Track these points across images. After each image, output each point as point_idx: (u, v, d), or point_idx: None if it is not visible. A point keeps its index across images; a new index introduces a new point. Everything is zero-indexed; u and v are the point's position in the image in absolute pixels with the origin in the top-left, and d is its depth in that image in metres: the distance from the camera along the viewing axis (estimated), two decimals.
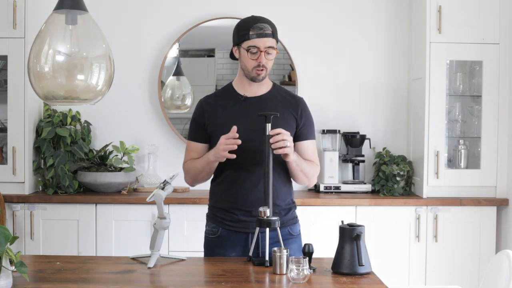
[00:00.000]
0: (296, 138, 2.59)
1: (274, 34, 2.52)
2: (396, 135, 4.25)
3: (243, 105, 2.57)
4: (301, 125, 2.60)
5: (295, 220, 2.64)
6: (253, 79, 2.56)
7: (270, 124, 2.40)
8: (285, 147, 2.38)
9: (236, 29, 2.56)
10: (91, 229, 3.76)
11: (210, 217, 2.66)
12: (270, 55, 2.51)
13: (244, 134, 2.45)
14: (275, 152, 2.39)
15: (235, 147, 2.41)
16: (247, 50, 2.51)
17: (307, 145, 2.62)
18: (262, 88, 2.61)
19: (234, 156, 2.42)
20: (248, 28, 2.50)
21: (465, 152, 3.97)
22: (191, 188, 4.05)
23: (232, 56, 2.62)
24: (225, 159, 2.44)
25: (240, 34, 2.53)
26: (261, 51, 2.49)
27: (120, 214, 3.76)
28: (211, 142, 2.59)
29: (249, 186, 2.53)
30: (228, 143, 2.41)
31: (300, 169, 2.54)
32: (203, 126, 2.61)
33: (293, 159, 2.47)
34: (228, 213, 2.57)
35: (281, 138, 2.37)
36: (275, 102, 2.59)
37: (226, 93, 2.63)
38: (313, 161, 2.62)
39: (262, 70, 2.52)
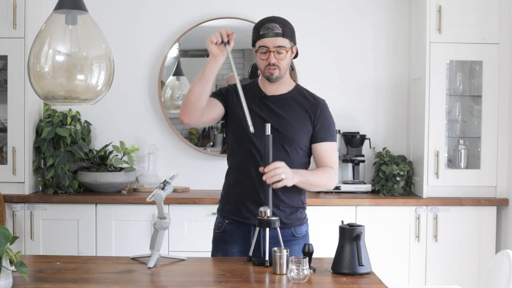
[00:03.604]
0: (313, 140, 2.60)
1: (285, 34, 2.52)
2: (396, 135, 4.25)
3: (262, 102, 2.59)
4: (317, 127, 2.59)
5: (301, 221, 2.62)
6: (268, 79, 2.57)
7: (269, 125, 2.40)
8: (280, 180, 2.36)
9: (252, 30, 2.60)
10: (91, 229, 3.76)
11: (218, 210, 2.69)
12: (280, 54, 2.52)
13: (259, 129, 2.48)
14: (273, 186, 2.38)
15: (219, 38, 2.39)
16: (257, 50, 2.54)
17: (323, 148, 2.59)
18: (283, 87, 2.62)
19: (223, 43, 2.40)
20: (259, 28, 2.53)
21: (465, 152, 3.97)
22: (191, 188, 4.07)
23: None
24: (212, 48, 2.40)
25: (254, 34, 2.57)
26: (270, 51, 2.51)
27: (120, 214, 3.76)
28: (226, 125, 2.66)
29: (258, 179, 2.51)
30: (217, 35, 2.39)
31: (309, 185, 2.54)
32: (224, 96, 2.61)
33: (296, 182, 2.45)
34: (236, 200, 2.58)
35: (274, 174, 2.35)
36: (293, 102, 2.60)
37: (251, 88, 2.65)
38: (327, 165, 2.58)
39: (274, 69, 2.53)
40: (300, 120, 2.57)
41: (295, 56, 2.62)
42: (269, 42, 2.50)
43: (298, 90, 2.66)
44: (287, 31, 2.54)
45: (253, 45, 2.58)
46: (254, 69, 2.70)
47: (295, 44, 2.58)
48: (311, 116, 2.59)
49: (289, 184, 2.41)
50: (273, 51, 2.51)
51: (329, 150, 2.61)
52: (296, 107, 2.59)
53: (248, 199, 2.55)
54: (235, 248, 2.59)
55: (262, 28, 2.52)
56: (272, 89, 2.61)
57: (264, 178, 2.36)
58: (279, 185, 2.38)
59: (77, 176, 3.92)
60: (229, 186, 2.65)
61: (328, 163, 2.59)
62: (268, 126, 2.40)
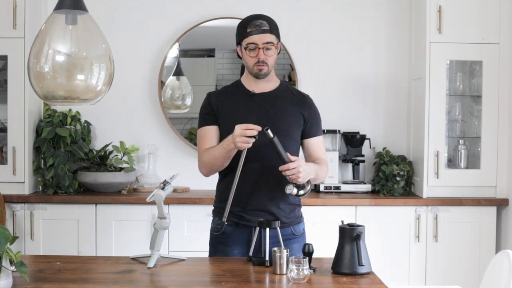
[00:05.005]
0: (304, 136, 2.62)
1: (272, 30, 2.54)
2: (396, 135, 4.25)
3: (251, 100, 2.59)
4: (309, 123, 2.62)
5: (298, 220, 2.64)
6: (256, 76, 2.57)
7: (269, 130, 2.37)
8: (298, 177, 2.41)
9: (237, 28, 2.60)
10: (91, 229, 3.76)
11: (216, 212, 2.66)
12: (269, 50, 2.53)
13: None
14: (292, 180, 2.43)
15: (250, 143, 2.40)
16: (246, 48, 2.53)
17: (314, 142, 2.64)
18: (269, 85, 2.62)
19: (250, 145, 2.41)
20: (246, 26, 2.53)
21: (465, 152, 3.97)
22: (191, 188, 4.07)
23: (239, 55, 2.64)
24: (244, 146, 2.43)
25: (240, 33, 2.57)
26: (259, 48, 2.51)
27: (120, 214, 3.76)
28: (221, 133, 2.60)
29: (254, 179, 2.52)
30: (244, 136, 2.38)
31: (315, 180, 2.57)
32: (213, 112, 2.60)
33: (309, 178, 2.50)
34: (235, 205, 2.55)
35: (295, 172, 2.39)
36: (282, 99, 2.61)
37: (235, 89, 2.65)
38: (320, 157, 2.64)
39: (263, 66, 2.53)
40: (291, 114, 2.58)
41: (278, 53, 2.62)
42: (258, 39, 2.51)
43: (284, 87, 2.67)
44: (273, 27, 2.56)
45: (239, 43, 2.57)
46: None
47: (279, 40, 2.59)
48: (301, 112, 2.61)
49: (304, 181, 2.45)
50: (262, 48, 2.51)
51: (319, 144, 2.66)
52: (285, 103, 2.60)
53: (248, 204, 2.54)
54: (235, 250, 2.58)
55: (249, 26, 2.52)
56: (259, 87, 2.61)
57: (284, 173, 2.40)
58: (295, 180, 2.42)
59: (77, 176, 3.92)
60: (228, 190, 2.60)
61: (321, 156, 2.65)
62: (269, 132, 2.36)
